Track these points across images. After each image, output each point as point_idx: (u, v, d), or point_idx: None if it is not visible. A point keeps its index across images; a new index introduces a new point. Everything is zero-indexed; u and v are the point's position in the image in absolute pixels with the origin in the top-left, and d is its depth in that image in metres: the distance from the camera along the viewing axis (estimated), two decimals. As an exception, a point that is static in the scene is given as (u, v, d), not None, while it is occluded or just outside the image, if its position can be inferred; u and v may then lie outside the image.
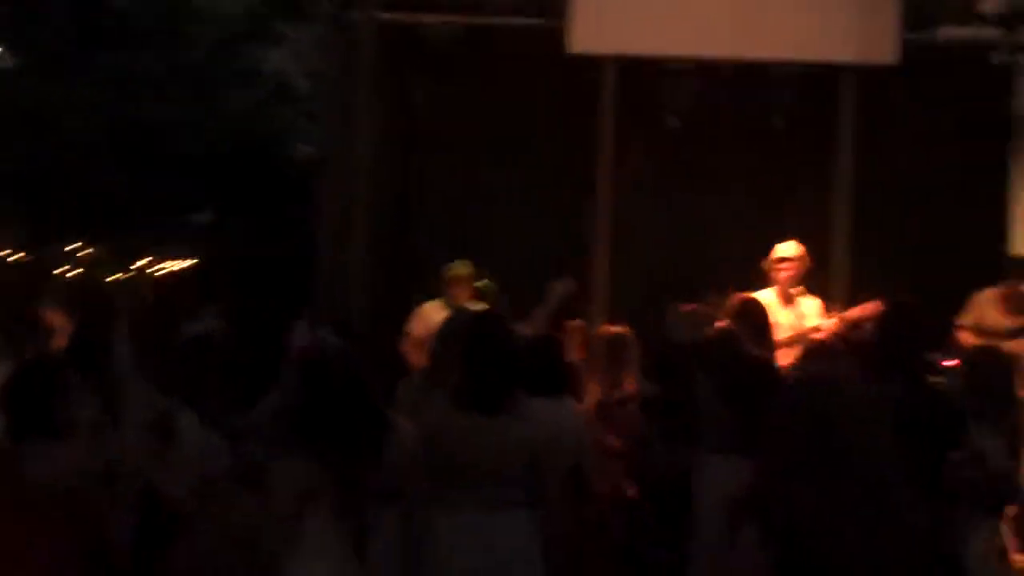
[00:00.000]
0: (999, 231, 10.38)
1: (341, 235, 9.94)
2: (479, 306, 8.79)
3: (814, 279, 9.14)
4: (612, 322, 8.74)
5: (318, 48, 16.89)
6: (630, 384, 6.91)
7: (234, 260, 15.53)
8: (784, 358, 7.66)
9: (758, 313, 7.30)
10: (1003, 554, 4.93)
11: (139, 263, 16.80)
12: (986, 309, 9.18)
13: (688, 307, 7.68)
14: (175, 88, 18.11)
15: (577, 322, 8.43)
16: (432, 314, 8.72)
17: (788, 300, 8.74)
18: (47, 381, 4.60)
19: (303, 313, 9.73)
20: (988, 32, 10.43)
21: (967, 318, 9.20)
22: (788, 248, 8.92)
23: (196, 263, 16.95)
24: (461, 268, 9.00)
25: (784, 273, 8.78)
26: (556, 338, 6.36)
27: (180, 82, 18.34)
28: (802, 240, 9.13)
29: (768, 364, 6.79)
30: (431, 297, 9.07)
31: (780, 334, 7.83)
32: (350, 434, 4.49)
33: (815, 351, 6.02)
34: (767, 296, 8.73)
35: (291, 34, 17.50)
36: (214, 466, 4.95)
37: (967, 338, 9.13)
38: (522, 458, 4.95)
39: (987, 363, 5.66)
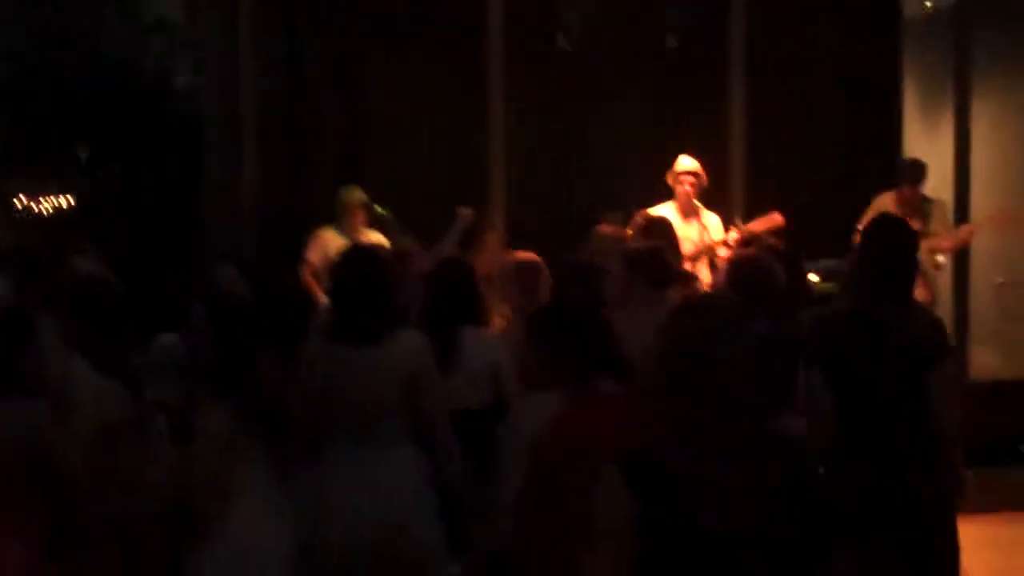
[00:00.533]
0: (893, 135, 10.45)
1: (231, 166, 9.64)
2: (374, 233, 8.69)
3: (711, 195, 9.12)
4: (514, 246, 8.67)
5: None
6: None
7: (115, 195, 15.15)
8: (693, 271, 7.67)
9: (667, 228, 7.25)
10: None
11: (15, 200, 16.27)
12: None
13: (607, 229, 7.57)
14: (45, 19, 17.56)
15: (492, 234, 8.35)
16: (329, 241, 8.73)
17: (690, 214, 8.71)
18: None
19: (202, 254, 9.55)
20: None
21: (865, 224, 9.24)
22: (690, 162, 8.89)
23: (75, 200, 16.47)
24: (353, 194, 8.88)
25: (687, 187, 8.75)
26: (467, 264, 6.14)
27: (54, 16, 17.77)
28: (698, 155, 9.11)
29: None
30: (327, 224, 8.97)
31: (685, 248, 7.81)
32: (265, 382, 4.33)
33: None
34: (668, 210, 8.69)
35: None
36: (114, 415, 4.74)
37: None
38: (392, 390, 4.85)
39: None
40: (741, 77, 9.71)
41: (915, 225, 8.95)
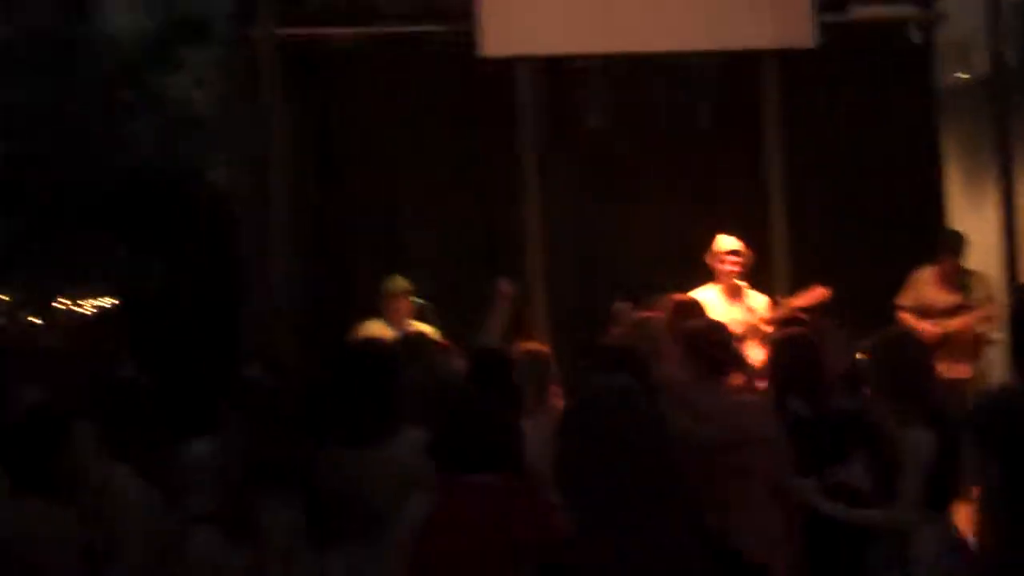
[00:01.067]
0: (933, 207, 10.29)
1: (263, 262, 9.56)
2: (420, 323, 8.57)
3: (753, 275, 8.97)
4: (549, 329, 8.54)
5: (220, 71, 16.61)
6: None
7: (155, 294, 15.09)
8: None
9: (699, 310, 7.10)
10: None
11: (57, 304, 16.28)
12: (924, 288, 9.14)
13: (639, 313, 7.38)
14: (73, 119, 17.63)
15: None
16: (375, 332, 8.54)
17: (735, 294, 8.55)
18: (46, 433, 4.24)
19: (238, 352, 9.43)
20: (902, 10, 10.39)
21: (906, 298, 9.14)
22: (731, 241, 8.75)
23: (116, 299, 16.46)
24: (397, 283, 8.76)
25: (731, 267, 8.61)
26: (506, 355, 5.92)
27: (78, 113, 17.82)
28: (738, 233, 8.97)
29: None
30: (371, 316, 8.84)
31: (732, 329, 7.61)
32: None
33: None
34: (710, 293, 8.53)
35: (192, 58, 17.13)
36: (156, 523, 4.59)
37: (908, 319, 9.04)
38: (392, 490, 4.60)
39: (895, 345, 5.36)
40: (777, 154, 9.59)
41: (956, 299, 8.89)
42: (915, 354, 5.22)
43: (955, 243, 9.18)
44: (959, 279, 9.11)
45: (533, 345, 6.14)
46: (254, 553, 4.33)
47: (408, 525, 3.97)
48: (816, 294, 8.42)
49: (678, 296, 7.87)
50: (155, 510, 4.64)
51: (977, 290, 9.12)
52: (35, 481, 4.26)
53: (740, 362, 5.79)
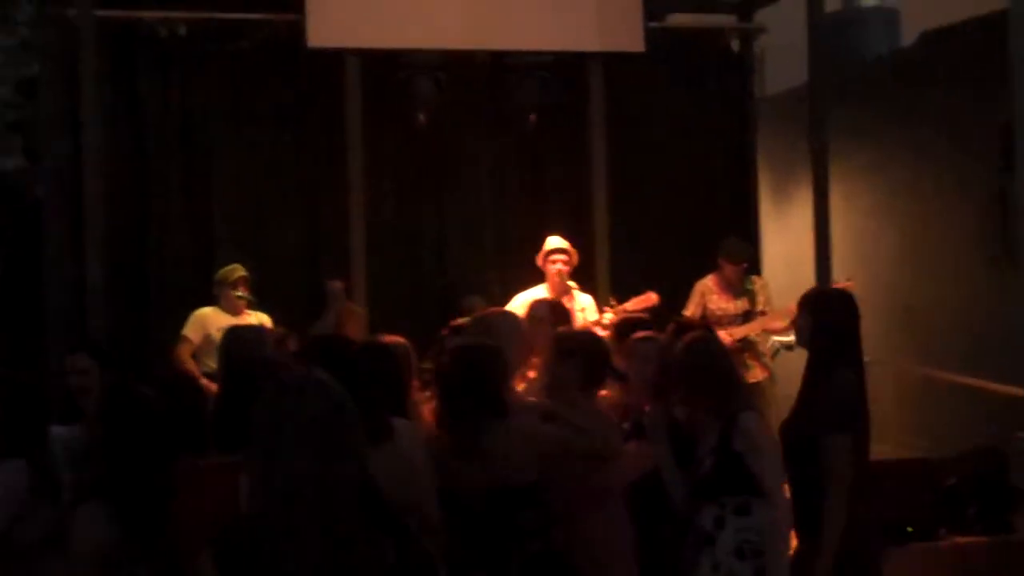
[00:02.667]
0: (745, 213, 10.55)
1: (73, 250, 9.19)
2: (255, 312, 8.39)
3: (577, 273, 9.02)
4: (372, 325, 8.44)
5: (23, 53, 15.93)
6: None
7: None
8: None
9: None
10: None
11: None
12: (709, 297, 9.24)
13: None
14: None
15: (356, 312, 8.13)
16: (209, 319, 8.50)
17: (563, 295, 8.57)
18: None
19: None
20: (721, 19, 10.64)
21: (691, 309, 9.21)
22: (560, 241, 8.78)
23: None
24: (236, 271, 8.59)
25: (558, 266, 8.62)
26: (388, 349, 5.71)
27: None
28: (561, 231, 9.02)
29: None
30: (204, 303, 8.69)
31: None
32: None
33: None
34: (540, 293, 8.54)
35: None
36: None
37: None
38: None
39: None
40: (601, 155, 9.71)
41: (742, 305, 9.09)
42: (722, 353, 5.29)
43: (734, 251, 9.26)
44: (741, 286, 9.24)
45: (395, 338, 5.96)
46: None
47: None
48: (648, 298, 8.51)
49: (547, 299, 7.83)
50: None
51: (760, 295, 9.28)
52: None
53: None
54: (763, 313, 9.18)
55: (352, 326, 7.84)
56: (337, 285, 7.94)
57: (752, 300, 9.18)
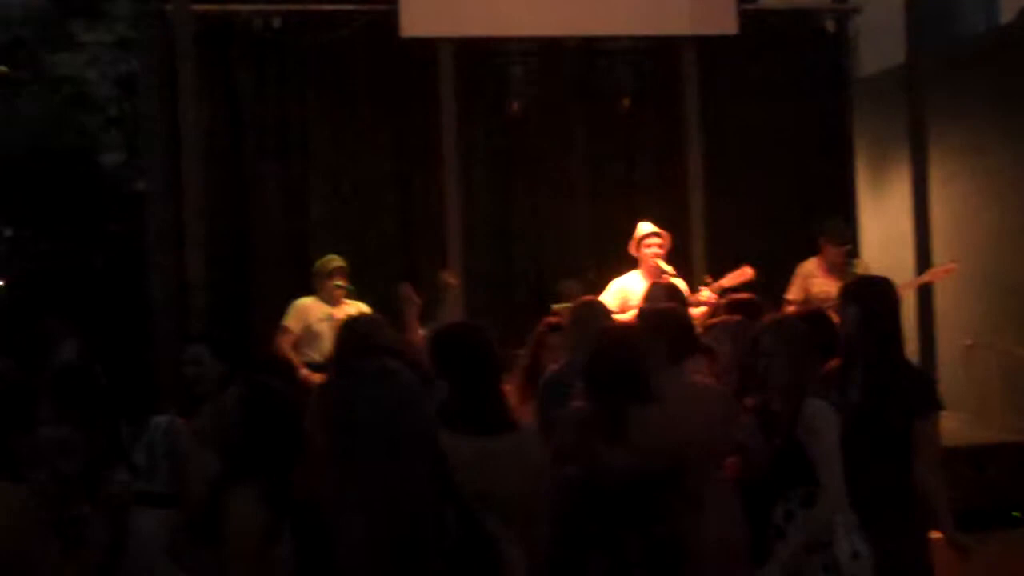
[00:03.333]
0: (842, 194, 10.44)
1: (173, 242, 9.35)
2: (353, 302, 8.46)
3: (671, 256, 8.99)
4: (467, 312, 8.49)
5: (121, 50, 16.22)
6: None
7: (44, 275, 14.72)
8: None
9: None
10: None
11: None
12: (811, 280, 9.13)
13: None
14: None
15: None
16: (309, 309, 8.55)
17: (658, 279, 8.53)
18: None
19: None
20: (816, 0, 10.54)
21: (793, 292, 9.13)
22: (651, 226, 8.75)
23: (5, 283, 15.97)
24: (333, 261, 8.64)
25: (653, 249, 8.60)
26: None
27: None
28: (657, 216, 9.00)
29: None
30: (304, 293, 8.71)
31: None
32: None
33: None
34: (635, 278, 8.53)
35: (86, 36, 16.65)
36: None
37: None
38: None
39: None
40: (696, 139, 9.66)
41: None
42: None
43: (837, 232, 9.14)
44: (844, 268, 9.12)
45: (476, 324, 5.98)
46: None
47: None
48: (743, 273, 8.47)
49: (663, 282, 7.85)
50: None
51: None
52: None
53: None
54: None
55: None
56: (452, 279, 8.02)
57: None
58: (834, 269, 9.03)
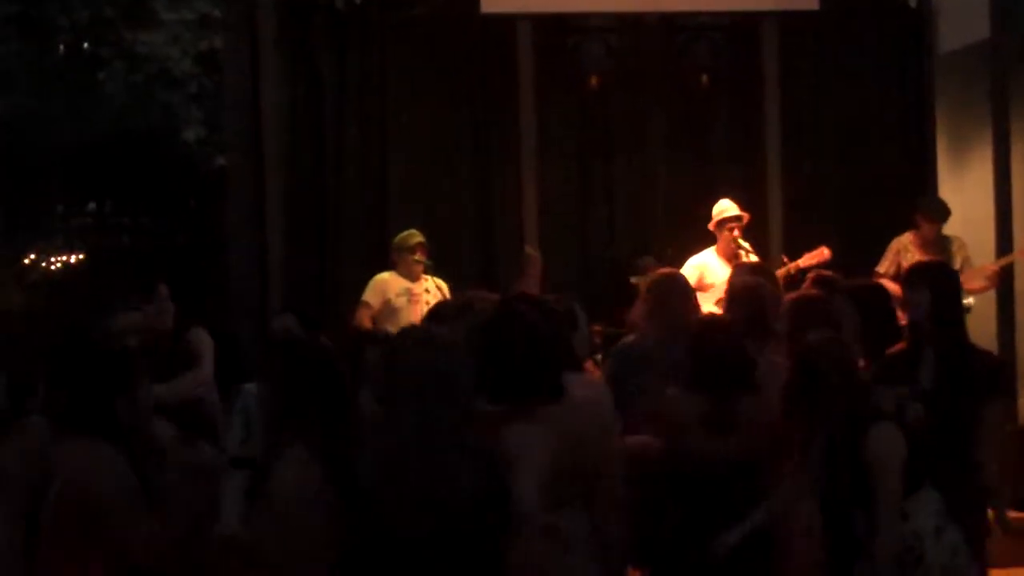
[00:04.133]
0: (923, 171, 10.34)
1: (254, 218, 9.48)
2: (433, 278, 8.51)
3: (748, 233, 8.98)
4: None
5: (201, 27, 16.42)
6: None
7: (125, 250, 14.97)
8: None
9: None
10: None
11: (26, 260, 16.01)
12: (904, 255, 9.07)
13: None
14: (43, 77, 17.33)
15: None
16: (389, 284, 8.63)
17: (736, 259, 8.54)
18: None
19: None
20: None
21: (885, 266, 9.07)
22: (732, 206, 8.75)
23: (87, 256, 16.24)
24: (414, 237, 8.71)
25: (734, 231, 8.60)
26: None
27: (49, 71, 17.53)
28: (734, 194, 8.99)
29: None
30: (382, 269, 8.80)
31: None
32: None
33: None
34: (711, 256, 8.54)
35: (167, 16, 16.87)
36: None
37: (889, 285, 8.99)
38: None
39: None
40: (775, 115, 9.60)
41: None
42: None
43: (935, 209, 9.09)
44: (940, 245, 9.04)
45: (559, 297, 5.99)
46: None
47: None
48: (821, 254, 8.45)
49: (748, 263, 7.85)
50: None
51: (957, 256, 9.08)
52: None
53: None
54: (961, 273, 8.95)
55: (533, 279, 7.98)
56: (533, 253, 8.08)
57: (949, 261, 8.95)
58: (928, 245, 8.96)
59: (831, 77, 10.13)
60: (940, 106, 10.64)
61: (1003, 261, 9.12)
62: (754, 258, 8.67)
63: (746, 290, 5.77)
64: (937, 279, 5.31)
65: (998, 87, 9.38)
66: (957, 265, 8.91)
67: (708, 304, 8.32)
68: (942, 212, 9.08)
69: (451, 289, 8.30)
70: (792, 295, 5.96)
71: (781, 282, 7.93)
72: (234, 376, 5.78)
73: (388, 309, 8.48)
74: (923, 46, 10.36)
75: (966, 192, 10.34)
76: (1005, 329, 9.37)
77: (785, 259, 8.60)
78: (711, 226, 8.78)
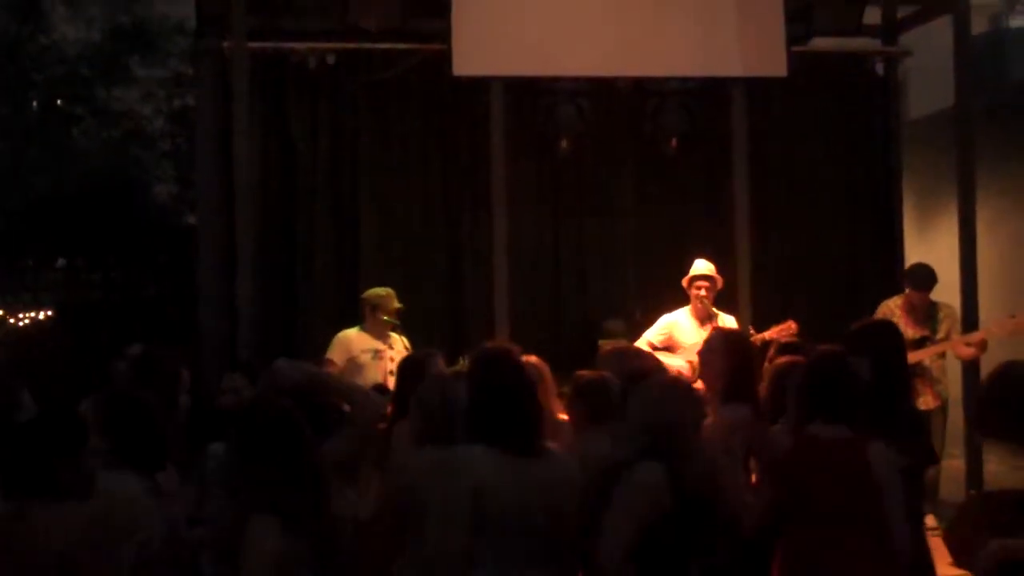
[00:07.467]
0: (890, 237, 10.44)
1: (224, 273, 9.47)
2: (398, 336, 8.49)
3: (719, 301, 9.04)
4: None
5: (175, 85, 16.46)
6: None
7: (96, 304, 14.92)
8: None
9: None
10: None
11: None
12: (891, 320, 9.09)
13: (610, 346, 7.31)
14: (17, 133, 17.33)
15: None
16: (353, 341, 8.60)
17: (705, 319, 8.59)
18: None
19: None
20: (866, 43, 10.56)
21: None
22: (705, 265, 8.80)
23: (54, 312, 16.16)
24: (385, 293, 8.70)
25: (701, 292, 8.66)
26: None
27: (22, 125, 17.52)
28: (703, 255, 9.05)
29: None
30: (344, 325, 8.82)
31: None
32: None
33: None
34: (683, 315, 8.58)
35: (140, 73, 16.91)
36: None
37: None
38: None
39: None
40: (743, 180, 9.66)
41: (923, 331, 8.93)
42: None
43: (921, 276, 9.11)
44: (927, 312, 9.07)
45: (531, 358, 5.99)
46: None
47: None
48: (788, 328, 8.49)
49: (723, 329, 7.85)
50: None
51: (944, 323, 9.09)
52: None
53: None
54: (943, 341, 8.99)
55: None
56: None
57: (934, 328, 9.00)
58: (915, 311, 9.01)
59: (800, 142, 10.27)
60: (908, 171, 10.81)
61: (989, 330, 9.09)
62: (730, 321, 8.73)
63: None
64: (878, 343, 5.41)
65: (963, 154, 9.50)
66: (943, 332, 8.98)
67: (678, 362, 8.40)
68: (927, 280, 9.10)
69: (415, 346, 8.29)
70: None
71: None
72: (204, 432, 5.75)
73: (353, 366, 8.46)
74: (891, 113, 10.51)
75: (933, 256, 10.43)
76: (973, 393, 9.41)
77: (752, 330, 8.64)
78: (684, 282, 8.86)
